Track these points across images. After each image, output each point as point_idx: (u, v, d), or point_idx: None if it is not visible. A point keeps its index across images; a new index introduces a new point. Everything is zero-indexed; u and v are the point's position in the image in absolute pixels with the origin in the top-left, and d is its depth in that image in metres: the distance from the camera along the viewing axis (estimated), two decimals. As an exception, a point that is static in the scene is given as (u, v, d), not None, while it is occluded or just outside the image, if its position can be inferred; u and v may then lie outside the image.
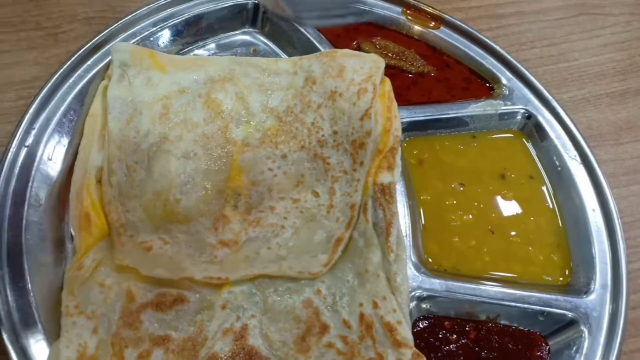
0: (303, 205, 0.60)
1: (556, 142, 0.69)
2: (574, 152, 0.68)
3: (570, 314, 0.57)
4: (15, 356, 0.46)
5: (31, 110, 0.58)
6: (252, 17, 0.75)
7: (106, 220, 0.55)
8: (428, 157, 0.67)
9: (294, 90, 0.67)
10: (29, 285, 0.49)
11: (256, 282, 0.55)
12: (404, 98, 0.69)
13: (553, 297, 0.57)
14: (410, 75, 0.74)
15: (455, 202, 0.64)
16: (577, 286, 0.60)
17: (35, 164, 0.56)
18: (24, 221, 0.53)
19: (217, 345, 0.51)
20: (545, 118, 0.70)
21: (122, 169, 0.58)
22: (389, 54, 0.74)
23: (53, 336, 0.49)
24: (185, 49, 0.72)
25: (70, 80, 0.61)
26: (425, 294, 0.56)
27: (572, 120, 0.70)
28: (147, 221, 0.56)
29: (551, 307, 0.57)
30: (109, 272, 0.53)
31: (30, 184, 0.55)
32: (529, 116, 0.70)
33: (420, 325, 0.56)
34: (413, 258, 0.58)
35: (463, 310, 0.56)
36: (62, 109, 0.59)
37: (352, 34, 0.76)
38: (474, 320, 0.57)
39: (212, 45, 0.73)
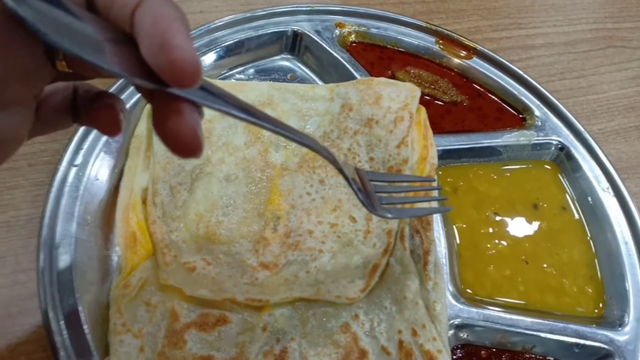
0: (340, 230, 0.61)
1: (588, 174, 0.69)
2: (606, 184, 0.69)
3: (605, 347, 0.57)
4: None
5: (80, 131, 0.59)
6: (290, 44, 0.77)
7: (151, 240, 0.56)
8: (462, 185, 0.68)
9: (330, 116, 0.68)
10: (78, 302, 0.50)
11: (295, 305, 0.56)
12: (437, 126, 0.70)
13: (588, 329, 0.58)
14: (443, 104, 0.75)
15: (489, 230, 0.65)
16: (611, 319, 0.60)
17: (84, 183, 0.57)
18: (73, 239, 0.54)
19: (258, 367, 0.52)
20: (577, 150, 0.71)
21: (166, 190, 0.60)
22: (423, 83, 0.76)
23: (100, 352, 0.49)
24: (226, 74, 0.74)
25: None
26: (463, 322, 0.56)
27: (603, 152, 0.71)
28: (190, 242, 0.57)
29: (586, 339, 0.57)
30: (154, 291, 0.54)
31: (78, 203, 0.56)
32: (562, 147, 0.71)
33: (457, 354, 0.56)
34: (450, 287, 0.58)
35: (500, 340, 0.57)
36: (110, 130, 0.61)
37: (386, 63, 0.78)
38: (510, 350, 0.57)
39: (252, 70, 0.75)
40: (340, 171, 0.47)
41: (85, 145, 0.59)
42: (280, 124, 0.36)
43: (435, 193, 0.63)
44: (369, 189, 0.51)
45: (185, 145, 0.29)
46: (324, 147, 0.44)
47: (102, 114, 0.37)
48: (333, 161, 0.45)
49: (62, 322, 0.49)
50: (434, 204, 0.62)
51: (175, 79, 0.26)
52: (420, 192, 0.61)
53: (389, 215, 0.51)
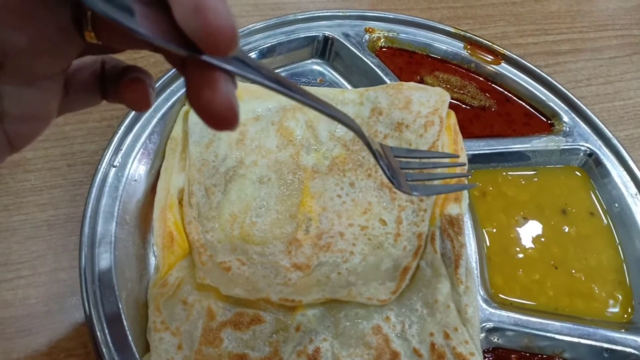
0: (371, 232, 0.62)
1: (617, 179, 0.70)
2: (634, 190, 0.69)
3: (635, 352, 0.57)
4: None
5: (120, 132, 0.61)
6: (321, 49, 0.78)
7: (187, 240, 0.58)
8: (491, 190, 0.68)
9: (360, 120, 0.69)
10: (119, 300, 0.52)
11: (327, 306, 0.57)
12: (466, 131, 0.71)
13: (617, 334, 0.58)
14: (471, 109, 0.76)
15: (519, 235, 0.65)
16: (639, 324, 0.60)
17: (123, 183, 0.58)
18: (112, 238, 0.55)
19: (292, 366, 0.53)
20: (605, 156, 0.71)
21: (201, 191, 0.61)
22: (452, 88, 0.77)
23: (139, 349, 0.51)
24: (258, 78, 0.75)
25: (154, 105, 0.64)
26: (494, 326, 0.57)
27: (632, 158, 0.71)
28: (225, 242, 0.58)
29: (616, 344, 0.57)
30: (191, 290, 0.55)
31: (118, 203, 0.57)
32: (590, 154, 0.71)
33: (488, 357, 0.57)
34: (481, 291, 0.59)
35: (530, 344, 0.57)
36: (147, 131, 0.62)
37: (415, 68, 0.79)
38: (540, 354, 0.57)
39: (282, 75, 0.76)
40: (368, 146, 0.46)
41: (124, 147, 0.61)
42: (311, 97, 0.35)
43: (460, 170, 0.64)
44: (394, 166, 0.50)
45: (221, 117, 0.28)
46: (352, 120, 0.43)
47: (132, 88, 0.36)
48: (361, 135, 0.44)
49: (103, 319, 0.51)
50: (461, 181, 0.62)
51: (211, 45, 0.25)
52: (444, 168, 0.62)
53: (415, 193, 0.51)
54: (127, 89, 0.36)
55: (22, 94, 0.31)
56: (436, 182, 0.62)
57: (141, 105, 0.36)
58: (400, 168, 0.52)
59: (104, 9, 0.24)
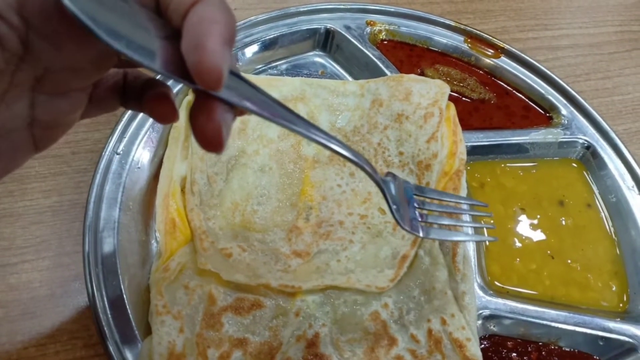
0: (370, 221, 0.62)
1: (614, 172, 0.71)
2: (631, 183, 0.70)
3: (629, 341, 0.58)
4: (112, 351, 0.49)
5: (123, 120, 0.62)
6: (323, 41, 0.79)
7: (189, 227, 0.58)
8: (490, 181, 0.69)
9: (360, 111, 0.70)
10: (121, 284, 0.52)
11: (326, 292, 0.58)
12: (466, 123, 0.72)
13: (613, 323, 0.59)
14: (471, 102, 0.76)
15: (516, 225, 0.66)
16: (635, 313, 0.61)
17: (126, 170, 0.59)
18: (116, 223, 0.56)
19: (291, 350, 0.54)
20: (603, 148, 0.72)
21: (204, 179, 0.62)
22: (452, 81, 0.77)
23: (141, 332, 0.52)
24: (260, 69, 0.76)
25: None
26: (491, 314, 0.58)
27: (629, 151, 0.72)
28: (227, 229, 0.59)
29: (611, 332, 0.58)
30: (192, 275, 0.56)
31: (121, 189, 0.58)
32: (588, 146, 0.72)
33: (484, 344, 0.58)
34: (478, 279, 0.60)
35: (526, 332, 0.58)
36: (150, 120, 0.63)
37: (416, 60, 0.80)
38: (536, 342, 0.58)
39: (284, 66, 0.77)
40: (371, 177, 0.47)
41: (128, 135, 0.61)
42: (315, 130, 0.37)
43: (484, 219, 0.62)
44: (400, 200, 0.50)
45: (208, 141, 0.30)
46: (361, 157, 0.44)
47: (160, 104, 0.38)
48: (371, 173, 0.45)
49: (106, 303, 0.52)
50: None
51: (200, 80, 0.27)
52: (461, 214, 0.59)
53: (420, 234, 0.51)
54: (154, 104, 0.38)
55: (54, 103, 0.33)
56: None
57: (168, 118, 0.38)
58: (415, 206, 0.52)
59: (121, 47, 0.26)
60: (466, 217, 0.61)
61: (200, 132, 0.30)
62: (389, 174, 0.51)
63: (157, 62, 0.27)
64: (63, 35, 0.29)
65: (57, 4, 0.27)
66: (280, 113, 0.34)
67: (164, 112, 0.38)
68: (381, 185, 0.48)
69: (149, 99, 0.38)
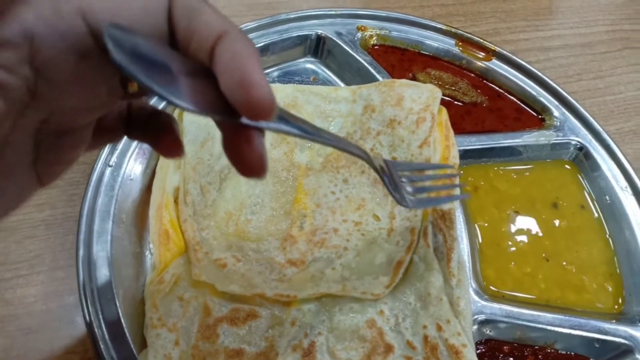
0: (364, 228, 0.62)
1: (607, 173, 0.71)
2: (624, 183, 0.70)
3: (625, 342, 0.58)
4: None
5: (115, 132, 0.61)
6: (314, 48, 0.79)
7: (183, 238, 0.58)
8: (483, 184, 0.69)
9: (353, 117, 0.70)
10: (116, 297, 0.52)
11: (322, 300, 0.58)
12: (458, 127, 0.72)
13: (608, 325, 0.59)
14: (463, 105, 0.76)
15: (510, 228, 0.66)
16: (630, 315, 0.61)
17: (119, 182, 0.59)
18: (109, 236, 0.56)
19: (288, 360, 0.54)
20: (596, 149, 0.72)
21: (197, 189, 0.62)
22: (444, 84, 0.77)
23: (136, 345, 0.52)
24: (252, 76, 0.76)
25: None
26: (486, 318, 0.58)
27: (621, 151, 0.72)
28: (221, 239, 0.59)
29: (607, 334, 0.58)
30: (187, 287, 0.56)
31: (114, 202, 0.58)
32: (581, 147, 0.72)
33: (480, 349, 0.58)
34: (473, 284, 0.60)
35: (522, 336, 0.58)
36: (142, 131, 0.63)
37: (407, 65, 0.80)
38: (532, 345, 0.58)
39: (276, 73, 0.77)
40: (376, 171, 0.51)
41: (120, 146, 0.61)
42: (331, 136, 0.40)
43: (455, 180, 0.65)
44: (396, 181, 0.53)
45: (254, 167, 0.31)
46: (357, 147, 0.46)
47: (164, 138, 0.38)
48: (369, 160, 0.49)
49: (101, 316, 0.51)
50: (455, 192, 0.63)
51: (252, 114, 0.27)
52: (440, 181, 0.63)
53: (412, 206, 0.54)
54: (160, 138, 0.38)
55: (58, 141, 0.33)
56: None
57: (174, 153, 0.38)
58: (401, 181, 0.55)
59: (155, 87, 0.26)
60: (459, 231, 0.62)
61: (246, 163, 0.31)
62: (377, 159, 0.53)
63: (189, 101, 0.27)
64: (74, 81, 0.29)
65: (82, 51, 0.28)
66: (309, 129, 0.35)
67: (168, 146, 0.38)
68: (380, 172, 0.52)
69: (153, 130, 0.38)
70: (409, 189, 0.55)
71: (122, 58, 0.25)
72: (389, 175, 0.53)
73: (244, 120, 0.29)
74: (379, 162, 0.52)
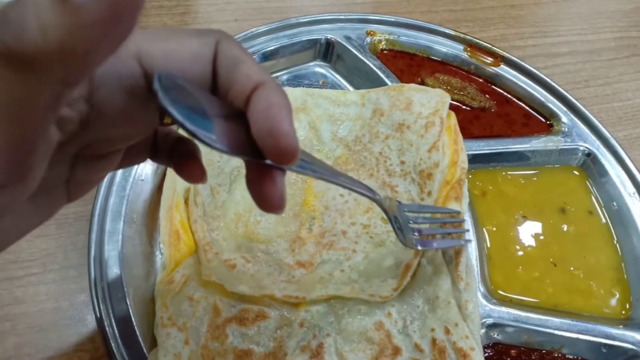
0: (373, 230, 0.63)
1: (615, 179, 0.71)
2: (632, 189, 0.70)
3: (633, 348, 0.58)
4: (118, 363, 0.50)
5: (127, 133, 0.62)
6: (323, 52, 0.79)
7: (193, 238, 0.59)
8: (491, 189, 0.70)
9: (362, 121, 0.71)
10: (127, 296, 0.53)
11: (330, 302, 0.58)
12: (467, 131, 0.72)
13: (616, 330, 0.59)
14: (471, 110, 0.77)
15: (518, 233, 0.66)
16: (637, 320, 0.61)
17: (130, 183, 0.60)
18: (120, 236, 0.56)
19: (296, 361, 0.54)
20: (604, 155, 0.73)
21: (207, 190, 0.62)
22: (452, 89, 0.78)
23: (146, 344, 0.52)
24: (262, 80, 0.77)
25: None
26: (494, 322, 0.58)
27: (630, 158, 0.72)
28: (230, 240, 0.60)
29: (614, 340, 0.58)
30: (197, 287, 0.56)
31: (125, 202, 0.58)
32: (589, 153, 0.73)
33: (488, 353, 0.58)
34: (481, 287, 0.60)
35: (529, 340, 0.58)
36: (153, 132, 0.63)
37: (416, 70, 0.80)
38: (539, 349, 0.59)
39: (285, 77, 0.78)
40: (385, 212, 0.54)
41: (131, 147, 0.62)
42: (346, 179, 0.44)
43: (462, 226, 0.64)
44: (402, 223, 0.56)
45: (274, 205, 0.33)
46: (370, 189, 0.50)
47: (188, 164, 0.40)
48: (379, 203, 0.52)
49: (112, 315, 0.52)
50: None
51: (278, 160, 0.30)
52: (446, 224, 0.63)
53: (419, 247, 0.56)
54: (183, 165, 0.40)
55: (92, 163, 0.35)
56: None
57: (197, 179, 0.40)
58: (409, 222, 0.57)
59: (190, 126, 0.28)
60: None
61: (268, 199, 0.33)
62: (386, 197, 0.56)
63: (221, 142, 0.29)
64: (122, 115, 0.31)
65: (134, 90, 0.30)
66: (326, 172, 0.39)
67: (192, 172, 0.40)
68: (389, 215, 0.54)
69: (178, 157, 0.40)
70: (416, 232, 0.57)
71: (167, 102, 0.27)
72: (395, 216, 0.55)
73: (269, 161, 0.31)
74: (387, 204, 0.55)
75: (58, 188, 0.35)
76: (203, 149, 0.63)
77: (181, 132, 0.34)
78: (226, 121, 0.31)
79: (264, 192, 0.33)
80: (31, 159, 0.27)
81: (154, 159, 0.42)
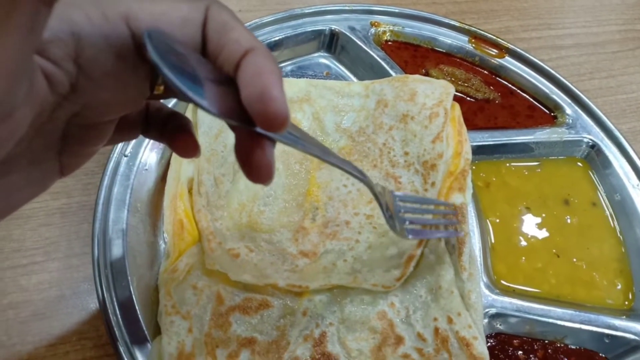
0: (376, 221, 0.63)
1: (619, 170, 0.71)
2: (636, 181, 0.70)
3: (635, 338, 0.58)
4: (122, 352, 0.50)
5: (131, 123, 0.62)
6: (327, 43, 0.79)
7: (197, 228, 0.59)
8: (495, 180, 0.69)
9: (365, 112, 0.71)
10: (130, 285, 0.53)
11: (333, 292, 0.58)
12: (471, 123, 0.72)
13: (619, 321, 0.59)
14: (476, 101, 0.77)
15: (522, 224, 0.66)
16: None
17: (134, 172, 0.60)
18: (124, 225, 0.56)
19: (299, 350, 0.54)
20: (608, 147, 0.72)
21: (210, 180, 0.62)
22: (456, 81, 0.78)
23: (150, 332, 0.52)
24: (266, 70, 0.77)
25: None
26: (497, 312, 0.58)
27: (633, 150, 0.72)
28: (234, 230, 0.60)
29: (617, 330, 0.58)
30: (200, 275, 0.56)
31: (129, 191, 0.58)
32: (593, 145, 0.73)
33: (491, 342, 0.58)
34: (484, 278, 0.60)
35: (532, 330, 0.58)
36: (158, 122, 0.63)
37: (420, 61, 0.80)
38: (542, 339, 0.59)
39: (289, 68, 0.78)
40: (375, 196, 0.53)
41: (135, 137, 0.62)
42: (336, 158, 0.42)
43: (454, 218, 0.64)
44: (392, 209, 0.55)
45: (262, 174, 0.33)
46: (360, 171, 0.49)
47: (181, 138, 0.40)
48: (369, 185, 0.51)
49: (116, 303, 0.52)
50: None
51: (267, 126, 0.29)
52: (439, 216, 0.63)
53: (410, 236, 0.55)
54: (176, 138, 0.40)
55: (84, 134, 0.35)
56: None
57: (190, 153, 0.41)
58: (402, 211, 0.56)
59: (186, 90, 0.28)
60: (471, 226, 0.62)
61: (256, 168, 0.33)
62: (377, 184, 0.55)
63: (211, 104, 0.29)
64: (110, 78, 0.31)
65: (121, 52, 0.30)
66: (314, 148, 0.37)
67: (184, 146, 0.40)
68: (378, 198, 0.53)
69: (170, 131, 0.40)
70: (407, 220, 0.56)
71: (157, 57, 0.27)
72: (385, 203, 0.54)
73: (259, 129, 0.31)
74: (379, 189, 0.54)
75: (50, 160, 0.35)
76: (204, 137, 0.64)
77: (172, 94, 0.33)
78: (216, 85, 0.31)
79: (253, 161, 0.32)
80: (14, 87, 0.26)
81: (146, 134, 0.41)
